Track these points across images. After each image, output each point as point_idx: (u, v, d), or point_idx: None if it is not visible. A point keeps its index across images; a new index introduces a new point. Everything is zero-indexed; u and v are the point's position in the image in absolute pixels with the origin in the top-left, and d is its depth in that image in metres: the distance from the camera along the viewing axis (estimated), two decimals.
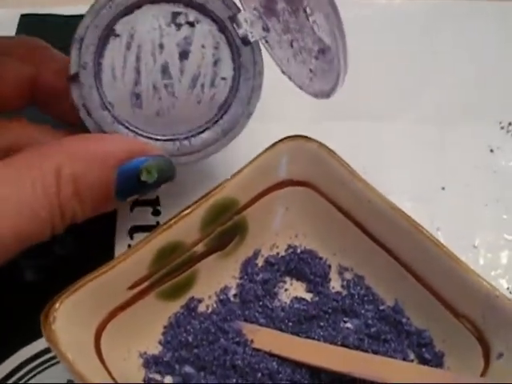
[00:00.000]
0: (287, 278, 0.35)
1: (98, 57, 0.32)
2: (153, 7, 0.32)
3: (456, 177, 0.40)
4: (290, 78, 0.35)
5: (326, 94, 0.32)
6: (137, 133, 0.33)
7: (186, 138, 0.33)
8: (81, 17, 0.32)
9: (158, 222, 0.37)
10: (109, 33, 0.32)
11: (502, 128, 0.43)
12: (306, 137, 0.34)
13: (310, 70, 0.33)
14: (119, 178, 0.30)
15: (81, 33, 0.32)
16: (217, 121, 0.33)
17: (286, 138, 0.34)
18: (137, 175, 0.30)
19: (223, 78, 0.33)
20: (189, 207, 0.32)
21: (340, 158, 0.34)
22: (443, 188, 0.40)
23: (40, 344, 0.33)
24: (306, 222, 0.35)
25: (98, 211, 0.31)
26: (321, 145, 0.34)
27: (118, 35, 0.32)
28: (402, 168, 0.40)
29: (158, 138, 0.33)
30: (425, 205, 0.38)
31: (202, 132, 0.33)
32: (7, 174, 0.28)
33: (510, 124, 0.42)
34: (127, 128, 0.33)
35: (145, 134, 0.33)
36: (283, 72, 0.35)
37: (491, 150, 0.42)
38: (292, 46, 0.33)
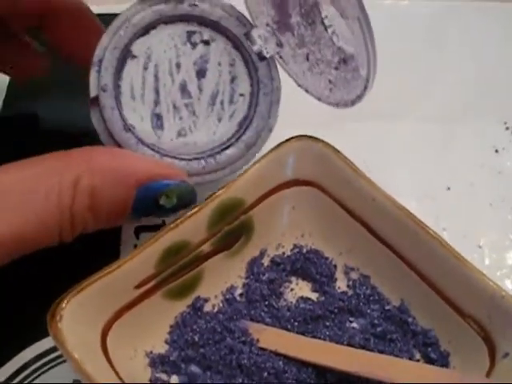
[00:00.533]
0: (293, 278, 0.35)
1: (116, 79, 0.32)
2: (167, 27, 0.33)
3: (461, 177, 0.40)
4: (306, 91, 0.35)
5: (351, 103, 0.33)
6: (161, 153, 0.33)
7: (211, 156, 0.33)
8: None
9: (163, 222, 0.37)
10: (126, 54, 0.32)
11: (507, 129, 0.43)
12: (312, 137, 0.34)
13: (330, 81, 0.33)
14: (137, 198, 0.29)
15: (99, 55, 0.32)
16: (239, 137, 0.34)
17: (292, 138, 0.34)
18: (155, 198, 0.30)
19: (241, 95, 0.34)
20: (195, 207, 0.31)
21: (346, 157, 0.34)
22: (448, 188, 0.40)
23: (45, 344, 0.33)
24: (312, 222, 0.35)
25: (110, 225, 0.31)
26: (327, 144, 0.34)
27: (135, 56, 0.32)
28: (407, 168, 0.40)
29: (183, 157, 0.33)
30: (430, 205, 0.38)
31: (226, 148, 0.33)
32: (24, 175, 0.28)
33: None
34: (152, 149, 0.32)
35: (170, 155, 0.33)
36: (299, 85, 0.36)
37: (496, 151, 0.42)
38: (308, 59, 0.34)
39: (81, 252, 0.34)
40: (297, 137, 0.34)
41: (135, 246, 0.36)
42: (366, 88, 0.31)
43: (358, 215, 0.34)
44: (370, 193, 0.33)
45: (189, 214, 0.31)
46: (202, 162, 0.33)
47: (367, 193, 0.33)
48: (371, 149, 0.40)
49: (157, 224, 0.37)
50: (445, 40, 0.46)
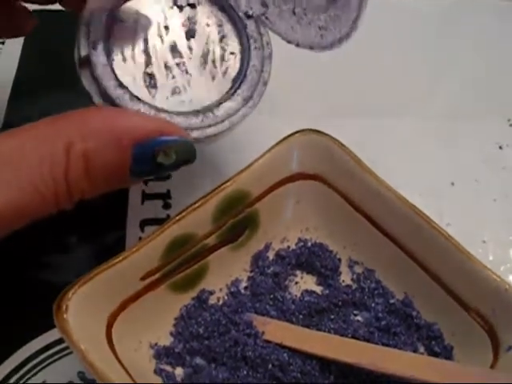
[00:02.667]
0: (298, 271, 0.35)
1: (106, 41, 0.31)
2: None
3: (465, 173, 0.40)
4: (297, 45, 0.35)
5: (346, 36, 0.32)
6: (157, 108, 0.31)
7: (209, 110, 0.32)
8: None
9: (168, 215, 0.37)
10: (113, 19, 0.32)
11: (511, 125, 0.43)
12: (317, 131, 0.34)
13: (320, 27, 0.33)
14: (134, 157, 0.28)
15: (87, 18, 0.31)
16: (235, 91, 0.33)
17: (297, 132, 0.34)
18: (153, 155, 0.28)
19: (232, 53, 0.34)
20: (201, 199, 0.32)
21: (351, 151, 0.34)
22: (452, 183, 0.40)
23: (50, 336, 0.33)
24: (317, 216, 0.36)
25: (110, 189, 0.29)
26: (332, 139, 0.34)
27: (122, 21, 0.32)
28: (411, 163, 0.40)
29: (181, 111, 0.32)
30: (434, 200, 0.38)
31: (223, 103, 0.33)
32: (15, 145, 0.26)
33: None
34: (148, 105, 0.31)
35: (167, 110, 0.32)
36: (289, 42, 0.35)
37: (500, 147, 0.42)
38: (294, 13, 0.33)
39: (87, 243, 0.34)
40: (302, 131, 0.34)
41: (140, 239, 0.36)
42: (358, 16, 0.30)
43: (363, 209, 0.34)
44: (375, 187, 0.33)
45: (194, 206, 0.31)
46: (201, 116, 0.32)
47: (372, 187, 0.33)
48: (375, 144, 0.40)
49: (161, 217, 0.37)
50: (449, 36, 0.46)
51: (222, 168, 0.38)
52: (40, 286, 0.34)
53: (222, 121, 0.33)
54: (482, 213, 0.39)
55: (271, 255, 0.35)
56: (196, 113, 0.32)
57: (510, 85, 0.44)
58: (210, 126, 0.32)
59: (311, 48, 0.34)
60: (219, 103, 0.33)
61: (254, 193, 0.34)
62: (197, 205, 0.31)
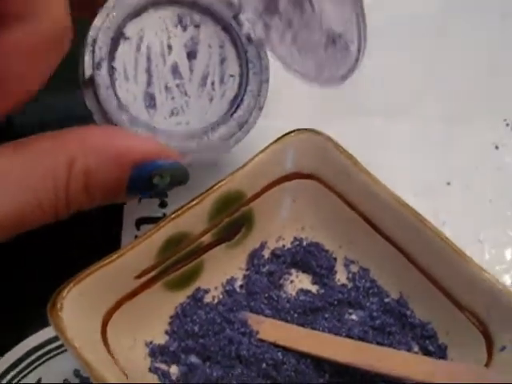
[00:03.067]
0: (293, 270, 0.35)
1: (110, 59, 0.32)
2: (159, 10, 0.33)
3: (461, 172, 0.40)
4: (295, 72, 0.35)
5: (341, 78, 0.32)
6: (155, 132, 0.32)
7: (204, 134, 0.33)
8: None
9: (164, 214, 0.37)
10: (119, 35, 0.32)
11: (507, 125, 0.43)
12: (313, 130, 0.34)
13: (318, 62, 0.33)
14: (132, 177, 0.29)
15: (93, 35, 0.32)
16: (231, 115, 0.34)
17: (293, 131, 0.34)
18: (149, 177, 0.30)
19: (231, 75, 0.34)
20: (196, 198, 0.32)
21: (346, 151, 0.34)
22: (448, 183, 0.40)
23: (46, 333, 0.33)
24: (313, 215, 0.36)
25: (106, 203, 0.31)
26: (328, 138, 0.34)
27: (127, 38, 0.33)
28: (407, 163, 0.40)
29: (176, 136, 0.33)
30: (430, 200, 0.38)
31: (218, 127, 0.34)
32: (20, 157, 0.28)
33: None
34: (146, 128, 0.32)
35: (163, 134, 0.33)
36: (287, 68, 0.36)
37: (496, 147, 0.42)
38: (295, 41, 0.34)
39: (82, 242, 0.34)
40: (298, 130, 0.34)
41: (136, 237, 0.36)
42: (357, 60, 0.31)
43: (358, 208, 0.34)
44: (370, 186, 0.33)
45: (190, 205, 0.31)
46: (195, 140, 0.33)
47: (367, 186, 0.33)
48: (371, 144, 0.40)
49: (158, 216, 0.37)
50: (445, 37, 0.46)
51: (219, 167, 0.38)
52: (36, 284, 0.34)
53: (216, 145, 0.33)
54: (478, 213, 0.39)
55: (267, 254, 0.35)
56: (191, 136, 0.33)
57: (506, 85, 0.44)
58: (203, 150, 0.33)
59: (308, 80, 0.35)
60: (214, 127, 0.33)
61: (250, 191, 0.34)
62: (192, 203, 0.31)
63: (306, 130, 0.34)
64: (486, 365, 0.30)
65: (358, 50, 0.31)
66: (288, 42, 0.35)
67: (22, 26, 0.26)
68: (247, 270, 0.35)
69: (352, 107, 0.41)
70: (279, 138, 0.34)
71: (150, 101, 0.33)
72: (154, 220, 0.37)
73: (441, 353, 0.32)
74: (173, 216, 0.31)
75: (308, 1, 0.32)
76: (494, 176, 0.41)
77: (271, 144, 0.34)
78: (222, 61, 0.34)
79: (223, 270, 0.34)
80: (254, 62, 0.34)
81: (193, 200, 0.32)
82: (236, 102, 0.34)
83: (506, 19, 0.48)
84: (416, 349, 0.32)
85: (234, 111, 0.34)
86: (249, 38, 0.34)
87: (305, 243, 0.35)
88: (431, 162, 0.41)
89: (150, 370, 0.31)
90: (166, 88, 0.33)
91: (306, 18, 0.33)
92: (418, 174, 0.40)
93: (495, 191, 0.40)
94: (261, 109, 0.35)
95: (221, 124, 0.34)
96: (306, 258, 0.35)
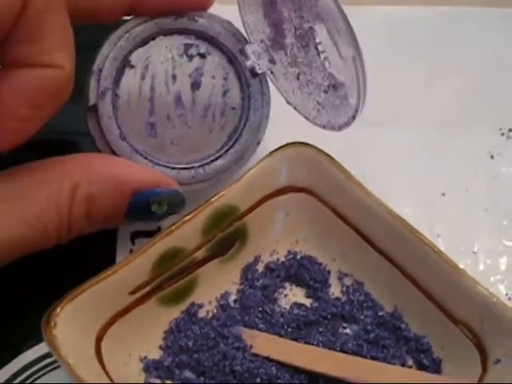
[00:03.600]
0: (287, 284, 0.35)
1: (115, 87, 0.33)
2: (166, 39, 0.34)
3: (456, 183, 0.40)
4: (295, 109, 0.36)
5: (338, 127, 0.33)
6: (154, 162, 0.33)
7: (201, 166, 0.34)
8: None
9: (159, 228, 0.37)
10: (125, 64, 0.33)
11: (503, 134, 0.43)
12: (305, 143, 0.35)
13: (318, 103, 0.34)
14: (131, 204, 0.31)
15: (99, 64, 0.32)
16: (228, 149, 0.34)
17: (286, 145, 0.34)
18: (148, 205, 0.31)
19: (233, 108, 0.35)
20: (190, 213, 0.32)
21: (339, 164, 0.34)
22: (443, 194, 0.40)
23: (43, 348, 0.33)
24: (306, 228, 0.36)
25: (105, 228, 0.32)
26: (320, 151, 0.34)
27: (133, 66, 0.33)
28: (401, 174, 0.40)
29: (174, 166, 0.34)
30: (425, 210, 0.38)
31: (215, 160, 0.34)
32: (26, 182, 0.29)
33: (510, 130, 0.43)
34: (145, 158, 0.33)
35: (161, 163, 0.34)
36: (288, 102, 0.37)
37: (491, 157, 0.42)
38: (298, 78, 0.35)
39: (77, 257, 0.34)
40: (291, 143, 0.34)
41: (131, 251, 0.36)
42: (354, 117, 0.32)
43: (352, 222, 0.34)
44: (364, 199, 0.33)
45: (183, 220, 0.31)
46: (192, 171, 0.34)
47: (361, 199, 0.33)
48: (366, 155, 0.40)
49: (153, 230, 0.37)
50: (442, 46, 0.46)
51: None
52: (31, 298, 0.34)
53: (211, 178, 0.34)
54: (473, 223, 0.39)
55: (260, 268, 0.35)
56: (188, 168, 0.34)
57: (501, 94, 0.44)
58: (199, 181, 0.34)
59: (306, 118, 0.35)
60: (211, 161, 0.34)
61: (244, 206, 0.34)
62: (186, 218, 0.32)
63: (299, 143, 0.35)
64: (481, 378, 0.30)
65: (356, 109, 0.31)
66: (291, 77, 0.35)
67: (26, 71, 0.27)
68: (241, 284, 0.34)
69: None
70: (272, 152, 0.34)
71: (151, 130, 0.33)
72: (148, 233, 0.36)
73: (435, 366, 0.32)
74: (167, 232, 0.31)
75: (314, 43, 0.33)
76: (490, 186, 0.41)
77: (264, 158, 0.34)
78: (225, 92, 0.34)
79: (217, 285, 0.34)
80: (255, 96, 0.35)
81: (187, 215, 0.32)
82: (235, 136, 0.35)
83: (504, 27, 0.47)
84: (410, 362, 0.32)
85: (232, 145, 0.34)
86: (253, 72, 0.34)
87: (298, 257, 0.35)
88: (426, 172, 0.40)
89: None
90: (168, 118, 0.34)
91: (310, 58, 0.33)
92: (413, 185, 0.40)
93: (491, 201, 0.40)
94: (258, 143, 0.35)
95: (218, 157, 0.34)
96: (300, 271, 0.35)
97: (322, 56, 0.32)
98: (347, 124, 0.33)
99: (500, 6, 0.48)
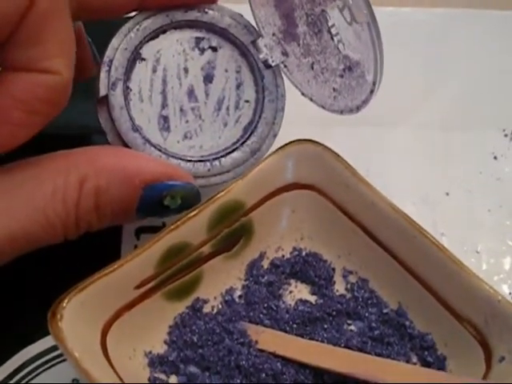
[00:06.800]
0: (292, 281, 0.35)
1: (126, 79, 0.32)
2: (177, 32, 0.33)
3: (460, 183, 0.40)
4: (311, 100, 0.36)
5: (356, 108, 0.33)
6: (168, 154, 0.33)
7: (216, 159, 0.34)
8: None
9: (164, 224, 0.37)
10: (135, 56, 0.33)
11: (506, 136, 0.43)
12: (311, 140, 0.35)
13: (334, 89, 0.34)
14: (143, 198, 0.29)
15: (110, 55, 0.32)
16: (244, 141, 0.34)
17: (292, 142, 0.34)
18: (160, 199, 0.30)
19: (247, 101, 0.35)
20: (196, 209, 0.32)
21: (345, 161, 0.34)
22: (447, 193, 0.40)
23: (45, 342, 0.33)
24: (312, 225, 0.36)
25: (115, 224, 0.31)
26: (326, 148, 0.34)
27: (144, 59, 0.33)
28: (406, 173, 0.40)
29: (189, 159, 0.33)
30: (429, 210, 0.39)
31: (231, 152, 0.34)
32: (32, 174, 0.28)
33: None
34: (159, 150, 0.33)
35: (176, 156, 0.33)
36: (303, 94, 0.36)
37: (495, 157, 0.42)
38: (313, 68, 0.34)
39: (82, 252, 0.34)
40: (297, 140, 0.35)
41: (136, 247, 0.36)
42: (372, 92, 0.32)
43: (357, 219, 0.34)
44: (369, 197, 0.33)
45: (189, 215, 0.31)
46: (208, 164, 0.33)
47: (366, 197, 0.33)
48: (371, 154, 0.40)
49: (157, 225, 0.37)
50: (445, 47, 0.46)
51: None
52: (36, 293, 0.34)
53: (228, 171, 0.34)
54: (476, 223, 0.39)
55: (266, 264, 0.35)
56: (204, 161, 0.33)
57: (505, 95, 0.45)
58: (215, 175, 0.34)
59: (323, 107, 0.35)
60: (227, 153, 0.34)
61: (249, 202, 0.34)
62: (192, 214, 0.32)
63: (304, 140, 0.35)
64: (485, 376, 0.30)
65: (374, 83, 0.31)
66: (305, 68, 0.35)
67: (23, 75, 0.27)
68: (246, 280, 0.35)
69: (351, 116, 0.41)
70: (278, 149, 0.34)
71: (164, 123, 0.33)
72: (153, 229, 0.37)
73: (439, 364, 0.32)
74: (172, 227, 0.31)
75: (327, 27, 0.32)
76: (493, 186, 0.41)
77: (270, 155, 0.34)
78: (238, 86, 0.34)
79: (222, 281, 0.34)
80: (270, 88, 0.34)
81: (192, 210, 0.32)
82: (250, 129, 0.34)
83: (506, 29, 0.48)
84: (415, 359, 0.32)
85: (248, 138, 0.34)
86: (266, 64, 0.34)
87: (304, 253, 0.35)
88: (430, 172, 0.41)
89: (150, 379, 0.31)
90: (181, 111, 0.34)
91: (323, 44, 0.33)
92: (417, 185, 0.40)
93: (494, 202, 0.40)
94: (275, 136, 0.35)
95: (234, 150, 0.34)
96: (305, 268, 0.35)
97: (335, 39, 0.32)
98: (365, 102, 0.32)
99: (504, 9, 0.48)
